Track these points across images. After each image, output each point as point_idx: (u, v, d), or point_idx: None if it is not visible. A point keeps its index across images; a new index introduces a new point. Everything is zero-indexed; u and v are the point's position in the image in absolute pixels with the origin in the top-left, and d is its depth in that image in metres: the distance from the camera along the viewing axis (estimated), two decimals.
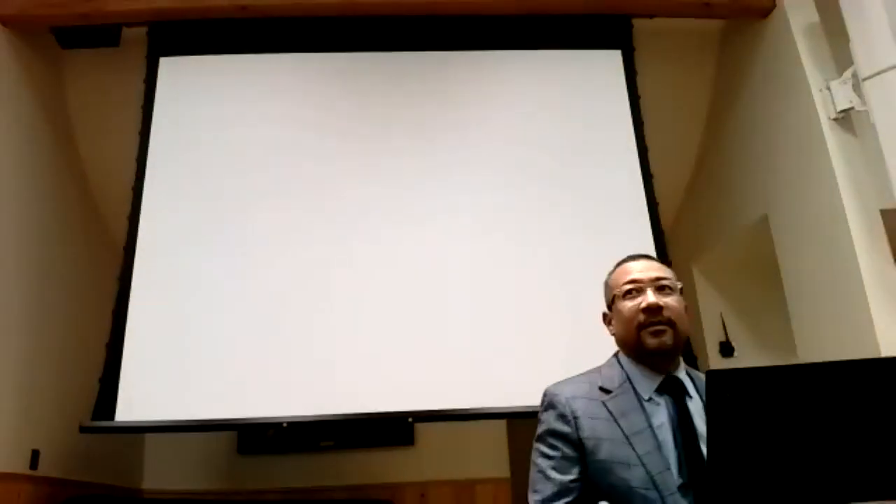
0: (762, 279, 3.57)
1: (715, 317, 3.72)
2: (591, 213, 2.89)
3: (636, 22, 3.22)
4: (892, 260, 2.40)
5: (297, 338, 2.64)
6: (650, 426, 1.24)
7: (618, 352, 1.42)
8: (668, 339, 1.30)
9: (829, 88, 2.60)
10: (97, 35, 3.06)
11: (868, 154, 2.51)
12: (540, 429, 1.35)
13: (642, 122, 3.07)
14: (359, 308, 2.69)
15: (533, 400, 2.55)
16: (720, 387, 1.04)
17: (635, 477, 1.18)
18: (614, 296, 1.41)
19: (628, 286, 1.37)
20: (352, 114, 3.04)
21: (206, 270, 2.74)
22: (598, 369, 1.42)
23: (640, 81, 3.16)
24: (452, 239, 2.82)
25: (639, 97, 3.12)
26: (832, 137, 2.56)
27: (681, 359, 1.35)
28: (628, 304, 1.35)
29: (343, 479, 4.00)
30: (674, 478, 1.18)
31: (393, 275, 2.75)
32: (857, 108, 2.49)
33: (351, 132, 3.00)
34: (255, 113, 3.02)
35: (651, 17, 3.09)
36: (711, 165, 3.55)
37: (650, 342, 1.30)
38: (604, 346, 2.59)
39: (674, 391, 1.29)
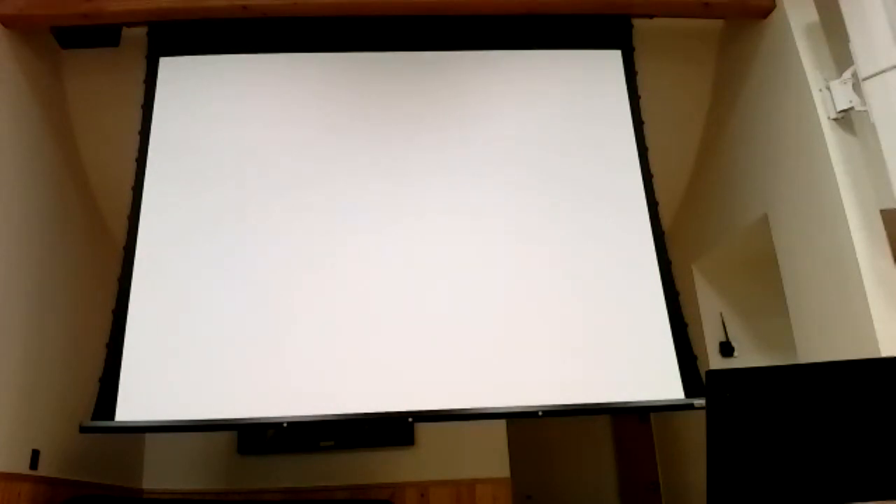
0: (762, 279, 3.58)
1: (715, 317, 3.72)
2: (590, 212, 2.89)
3: (636, 22, 3.23)
4: (892, 260, 2.40)
5: (298, 337, 2.64)
6: None
7: None
8: None
9: (828, 88, 2.60)
10: (97, 35, 3.05)
11: (868, 154, 2.51)
12: None
13: (642, 122, 3.07)
14: (359, 308, 2.69)
15: (533, 400, 2.57)
16: (720, 387, 1.04)
17: None
18: None
19: None
20: (352, 113, 3.04)
21: (205, 270, 2.74)
22: None
23: (640, 81, 3.16)
24: (452, 238, 2.82)
25: (639, 97, 3.12)
26: (832, 137, 2.56)
27: None
28: None
29: (343, 479, 4.01)
30: None
31: (393, 274, 2.75)
32: (857, 108, 2.49)
33: (351, 131, 3.00)
34: (255, 112, 3.02)
35: (651, 17, 3.08)
36: (711, 165, 3.55)
37: None
38: (602, 345, 2.61)
39: None
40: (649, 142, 3.04)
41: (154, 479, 4.00)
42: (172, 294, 2.70)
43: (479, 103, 3.08)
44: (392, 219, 2.85)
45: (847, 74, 2.53)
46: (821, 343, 2.64)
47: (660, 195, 2.96)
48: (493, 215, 2.87)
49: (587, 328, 2.69)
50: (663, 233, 2.91)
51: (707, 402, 1.08)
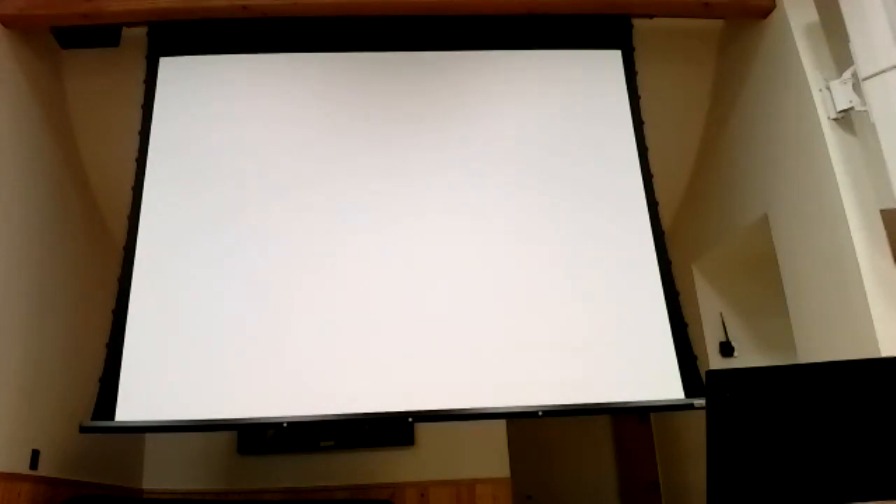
0: (762, 279, 3.58)
1: (715, 317, 3.72)
2: (591, 212, 2.89)
3: (636, 22, 3.23)
4: (892, 260, 2.40)
5: (298, 337, 2.64)
6: None
7: None
8: None
9: (828, 88, 2.60)
10: (97, 35, 3.05)
11: (868, 154, 2.51)
12: None
13: (642, 122, 3.07)
14: (359, 308, 2.69)
15: (533, 400, 2.57)
16: (720, 387, 1.04)
17: None
18: None
19: None
20: (352, 113, 3.04)
21: (205, 270, 2.74)
22: None
23: (640, 81, 3.16)
24: (452, 238, 2.82)
25: (639, 97, 3.12)
26: (832, 137, 2.56)
27: None
28: None
29: (343, 479, 4.01)
30: None
31: (393, 274, 2.75)
32: (857, 108, 2.49)
33: (351, 131, 3.00)
34: (255, 112, 3.02)
35: (651, 17, 3.08)
36: (711, 165, 3.55)
37: None
38: (602, 345, 2.61)
39: None
40: (649, 142, 3.04)
41: (154, 479, 4.00)
42: (172, 294, 2.70)
43: (479, 103, 3.08)
44: (392, 219, 2.85)
45: (847, 74, 2.53)
46: (821, 343, 2.64)
47: (660, 195, 2.96)
48: (493, 215, 2.87)
49: (587, 328, 2.69)
50: (663, 233, 2.90)
51: (707, 402, 1.08)
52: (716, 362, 3.68)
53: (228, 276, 2.73)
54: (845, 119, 2.57)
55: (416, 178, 2.93)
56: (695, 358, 2.68)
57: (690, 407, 2.57)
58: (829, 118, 2.58)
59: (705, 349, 3.64)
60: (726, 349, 3.66)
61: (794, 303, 2.81)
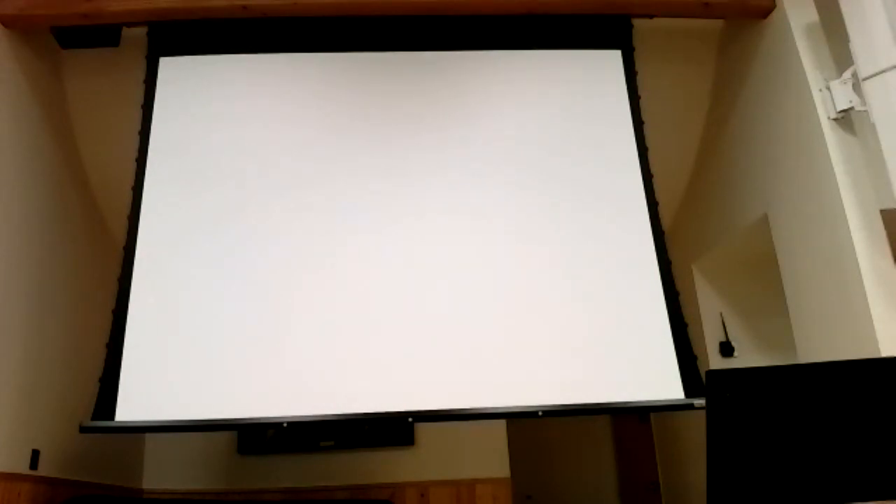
0: (762, 279, 3.58)
1: (715, 317, 3.72)
2: (590, 212, 2.89)
3: (636, 22, 3.23)
4: (892, 260, 2.40)
5: (298, 337, 2.64)
6: None
7: None
8: None
9: (828, 88, 2.60)
10: (97, 35, 3.06)
11: (868, 154, 2.52)
12: None
13: (642, 122, 3.08)
14: (359, 307, 2.69)
15: (533, 400, 2.57)
16: (720, 387, 1.04)
17: None
18: None
19: None
20: (352, 113, 3.04)
21: (206, 270, 2.74)
22: None
23: (640, 81, 3.16)
24: (452, 238, 2.83)
25: (639, 97, 3.12)
26: (832, 137, 2.56)
27: None
28: None
29: (343, 479, 4.01)
30: None
31: (393, 274, 2.75)
32: (857, 108, 2.49)
33: (351, 131, 3.00)
34: (255, 112, 3.02)
35: (651, 17, 3.09)
36: (711, 165, 3.55)
37: None
38: (602, 345, 2.62)
39: None
40: (649, 142, 3.04)
41: (154, 479, 4.00)
42: (172, 294, 2.70)
43: (479, 103, 3.08)
44: (392, 219, 2.85)
45: (847, 74, 2.53)
46: (821, 343, 2.64)
47: (660, 195, 2.96)
48: (493, 215, 2.87)
49: (587, 328, 2.69)
50: (663, 233, 2.91)
51: (707, 402, 1.08)
52: (716, 362, 3.69)
53: (228, 276, 2.73)
54: (845, 119, 2.57)
55: (416, 178, 2.93)
56: (695, 358, 2.68)
57: (690, 407, 2.57)
58: (829, 118, 2.58)
59: (705, 349, 3.64)
60: (726, 349, 3.66)
61: (794, 303, 2.81)
